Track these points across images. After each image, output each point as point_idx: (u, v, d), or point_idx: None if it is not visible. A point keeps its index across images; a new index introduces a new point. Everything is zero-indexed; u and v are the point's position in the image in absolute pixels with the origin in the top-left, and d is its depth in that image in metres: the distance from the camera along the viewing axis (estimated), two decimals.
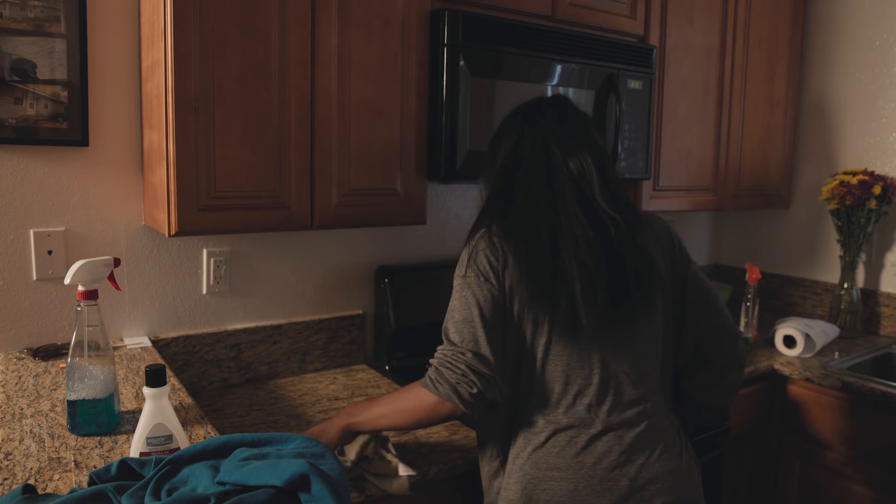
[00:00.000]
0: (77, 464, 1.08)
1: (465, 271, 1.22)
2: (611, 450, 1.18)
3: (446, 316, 1.22)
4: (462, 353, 1.16)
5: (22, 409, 1.28)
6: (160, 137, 1.42)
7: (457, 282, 1.23)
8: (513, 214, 1.24)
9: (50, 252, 1.58)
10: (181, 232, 1.38)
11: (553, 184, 1.24)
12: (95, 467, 1.05)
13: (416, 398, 1.20)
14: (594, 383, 1.20)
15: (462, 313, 1.19)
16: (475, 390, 1.15)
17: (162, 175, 1.42)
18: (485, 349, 1.16)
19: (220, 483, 0.89)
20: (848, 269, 2.47)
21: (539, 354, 1.21)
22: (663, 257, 1.32)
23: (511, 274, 1.20)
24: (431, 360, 1.20)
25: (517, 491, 1.20)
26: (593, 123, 1.33)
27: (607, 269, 1.19)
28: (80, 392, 1.17)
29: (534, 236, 1.21)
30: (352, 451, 1.29)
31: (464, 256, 1.24)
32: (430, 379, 1.18)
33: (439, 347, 1.21)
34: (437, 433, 1.54)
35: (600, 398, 1.21)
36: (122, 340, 1.68)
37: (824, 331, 2.31)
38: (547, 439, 1.20)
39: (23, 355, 1.56)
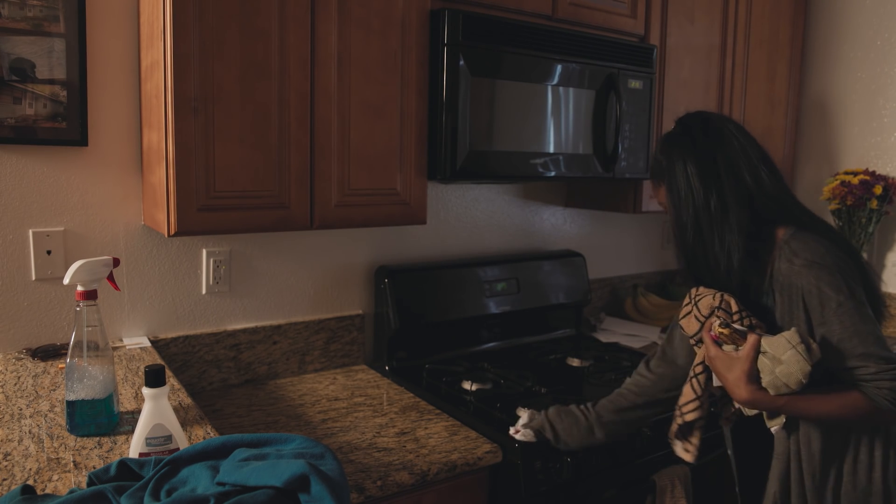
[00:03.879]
0: (76, 464, 1.08)
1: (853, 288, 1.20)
2: None
3: (861, 338, 1.17)
4: None
5: (21, 409, 1.28)
6: (159, 137, 1.42)
7: (851, 303, 1.18)
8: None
9: (49, 252, 1.58)
10: (181, 232, 1.38)
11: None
12: (95, 468, 1.04)
13: (856, 409, 1.18)
14: None
15: (877, 331, 1.19)
16: None
17: (161, 175, 1.41)
18: None
19: (219, 483, 0.89)
20: None
21: None
22: None
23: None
24: (882, 384, 1.15)
25: None
26: None
27: None
28: (80, 392, 1.17)
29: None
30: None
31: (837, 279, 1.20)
32: (889, 401, 1.15)
33: (878, 367, 1.16)
34: (437, 434, 1.53)
35: None
36: (121, 341, 1.68)
37: None
38: None
39: (22, 355, 1.55)
